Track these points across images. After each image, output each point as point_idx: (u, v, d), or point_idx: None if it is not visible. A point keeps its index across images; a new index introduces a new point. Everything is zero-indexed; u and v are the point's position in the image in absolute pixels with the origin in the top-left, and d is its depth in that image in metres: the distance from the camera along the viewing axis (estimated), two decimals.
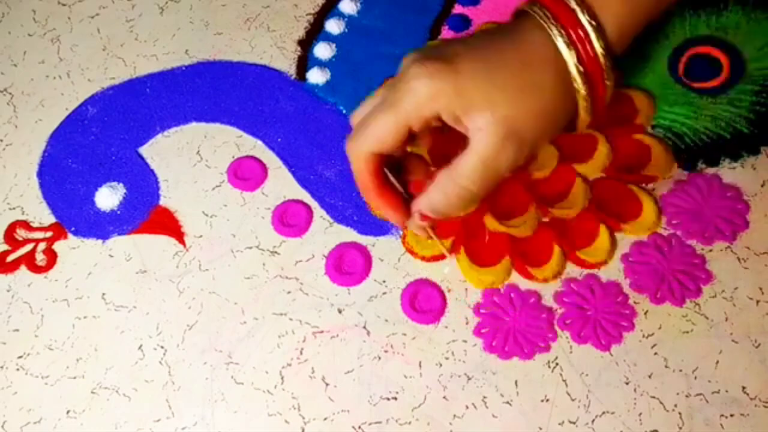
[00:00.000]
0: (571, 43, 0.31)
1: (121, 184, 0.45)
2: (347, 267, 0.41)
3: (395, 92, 0.32)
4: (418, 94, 0.31)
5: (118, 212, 0.44)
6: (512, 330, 0.39)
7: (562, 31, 0.31)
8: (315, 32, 0.50)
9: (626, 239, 0.41)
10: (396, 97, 0.32)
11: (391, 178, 0.34)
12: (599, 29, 0.31)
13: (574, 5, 0.32)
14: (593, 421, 0.36)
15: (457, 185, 0.32)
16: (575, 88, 0.32)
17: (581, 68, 0.32)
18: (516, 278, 0.40)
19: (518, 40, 0.32)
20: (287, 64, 0.49)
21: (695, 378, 0.37)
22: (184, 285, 0.42)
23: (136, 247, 0.43)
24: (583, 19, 0.31)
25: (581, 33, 0.31)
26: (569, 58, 0.31)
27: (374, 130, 0.32)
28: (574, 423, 0.36)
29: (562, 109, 0.33)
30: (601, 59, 0.32)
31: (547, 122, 0.32)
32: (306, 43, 0.50)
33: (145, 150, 0.46)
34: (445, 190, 0.33)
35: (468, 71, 0.31)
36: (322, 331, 0.40)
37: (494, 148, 0.31)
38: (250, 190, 0.44)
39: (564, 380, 0.37)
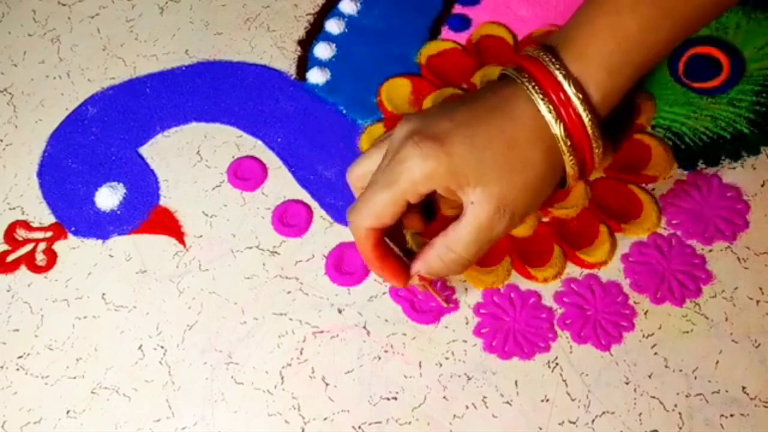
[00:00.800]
0: (558, 117, 0.33)
1: (121, 184, 0.45)
2: (347, 267, 0.41)
3: (390, 170, 0.33)
4: (414, 174, 0.32)
5: (118, 212, 0.44)
6: (512, 330, 0.39)
7: (550, 106, 0.32)
8: (315, 32, 0.50)
9: (626, 239, 0.41)
10: (393, 176, 0.33)
11: (392, 246, 0.36)
12: (585, 100, 0.33)
13: (561, 78, 0.32)
14: (593, 421, 0.36)
15: (453, 252, 0.34)
16: (563, 159, 0.34)
17: (569, 141, 0.33)
18: (516, 278, 0.40)
19: (505, 114, 0.33)
20: (287, 64, 0.49)
21: (695, 378, 0.37)
22: (184, 285, 0.42)
23: (136, 247, 0.43)
24: (570, 91, 0.32)
25: (569, 105, 0.33)
26: (557, 130, 0.33)
27: (374, 208, 0.34)
28: (574, 423, 0.36)
29: (551, 178, 0.34)
30: (589, 129, 0.33)
31: (536, 194, 0.34)
32: (306, 43, 0.50)
33: (145, 150, 0.46)
34: (441, 257, 0.34)
35: (459, 152, 0.32)
36: (322, 331, 0.40)
37: (487, 220, 0.33)
38: (250, 190, 0.44)
39: (564, 380, 0.37)
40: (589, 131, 0.33)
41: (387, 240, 0.36)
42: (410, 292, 0.40)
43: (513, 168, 0.33)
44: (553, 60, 0.33)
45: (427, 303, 0.40)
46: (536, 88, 0.33)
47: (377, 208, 0.34)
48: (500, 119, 0.33)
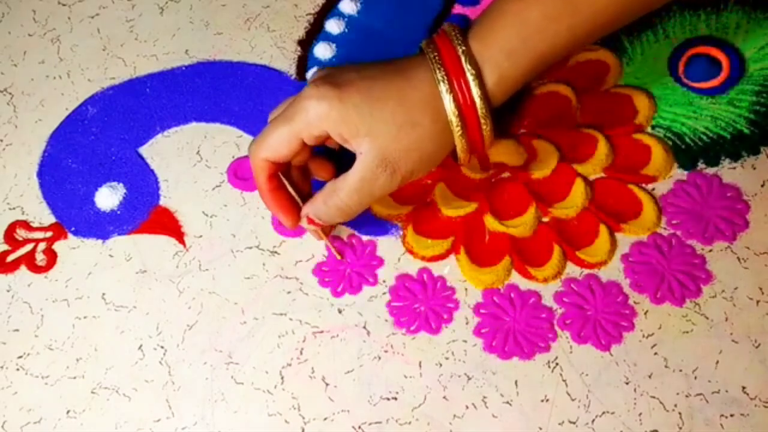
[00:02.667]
0: (450, 89, 0.34)
1: (121, 184, 0.45)
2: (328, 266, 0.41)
3: (291, 108, 0.35)
4: (309, 114, 0.34)
5: (118, 212, 0.44)
6: (512, 330, 0.39)
7: (445, 78, 0.34)
8: (315, 32, 0.50)
9: (626, 239, 0.41)
10: (290, 112, 0.35)
11: (286, 184, 0.38)
12: (479, 77, 0.34)
13: (460, 53, 0.34)
14: (593, 421, 0.36)
15: (337, 197, 0.36)
16: (452, 130, 0.35)
17: (457, 112, 0.34)
18: (516, 278, 0.40)
19: (407, 77, 0.35)
20: (287, 64, 0.49)
21: (695, 378, 0.37)
22: (184, 285, 0.42)
23: (136, 247, 0.43)
24: (466, 67, 0.34)
25: (462, 80, 0.34)
26: (447, 102, 0.34)
27: (269, 140, 0.36)
28: (574, 423, 0.36)
29: (437, 146, 0.36)
30: (478, 106, 0.34)
31: (421, 157, 0.35)
32: (306, 43, 0.50)
33: (145, 150, 0.46)
34: (326, 200, 0.37)
35: (353, 101, 0.34)
36: (322, 331, 0.40)
37: (371, 171, 0.35)
38: (250, 190, 0.44)
39: (564, 380, 0.37)
40: (479, 107, 0.34)
41: (285, 181, 0.38)
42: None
43: (401, 126, 0.34)
44: (459, 37, 0.35)
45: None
46: (437, 58, 0.34)
47: (273, 141, 0.36)
48: (400, 80, 0.35)
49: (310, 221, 0.38)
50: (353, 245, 0.42)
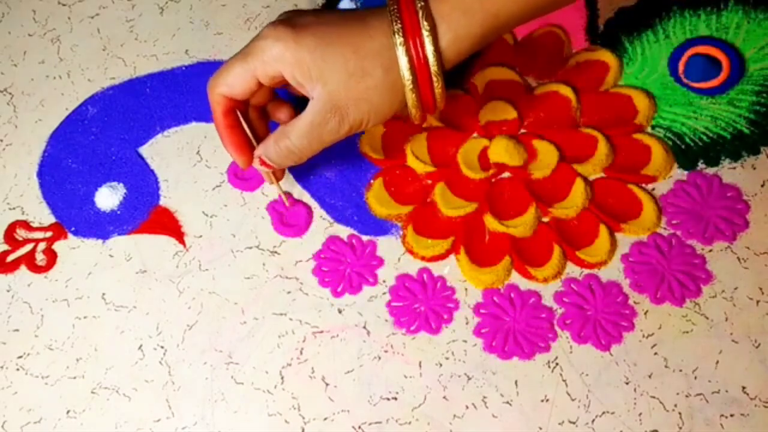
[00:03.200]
0: (404, 42, 0.34)
1: (121, 184, 0.45)
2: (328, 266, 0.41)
3: (248, 46, 0.36)
4: (264, 54, 0.35)
5: (118, 212, 0.44)
6: (512, 330, 0.39)
7: (401, 29, 0.34)
8: None
9: (626, 239, 0.41)
10: (248, 50, 0.36)
11: (242, 122, 0.38)
12: (434, 34, 0.34)
13: (418, 7, 0.34)
14: (593, 421, 0.36)
15: (288, 140, 0.37)
16: (403, 84, 0.35)
17: (409, 66, 0.34)
18: (516, 278, 0.40)
19: (364, 25, 0.35)
20: None
21: (695, 378, 0.37)
22: (184, 285, 0.42)
23: (136, 247, 0.43)
24: (422, 22, 0.34)
25: (417, 35, 0.34)
26: (401, 54, 0.34)
27: (226, 76, 0.36)
28: (574, 423, 0.36)
29: (388, 99, 0.36)
30: (431, 63, 0.34)
31: (370, 108, 0.35)
32: None
33: (145, 150, 0.46)
34: (277, 141, 0.37)
35: (308, 45, 0.34)
36: (322, 331, 0.40)
37: (321, 116, 0.35)
38: (250, 190, 0.44)
39: (564, 380, 0.37)
40: (431, 64, 0.34)
41: (242, 119, 0.38)
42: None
43: (352, 74, 0.34)
44: None
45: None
46: (395, 11, 0.34)
47: (229, 78, 0.36)
48: (357, 28, 0.35)
49: (262, 162, 0.38)
50: (353, 245, 0.42)
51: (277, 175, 0.41)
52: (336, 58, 0.34)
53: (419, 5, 0.34)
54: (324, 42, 0.34)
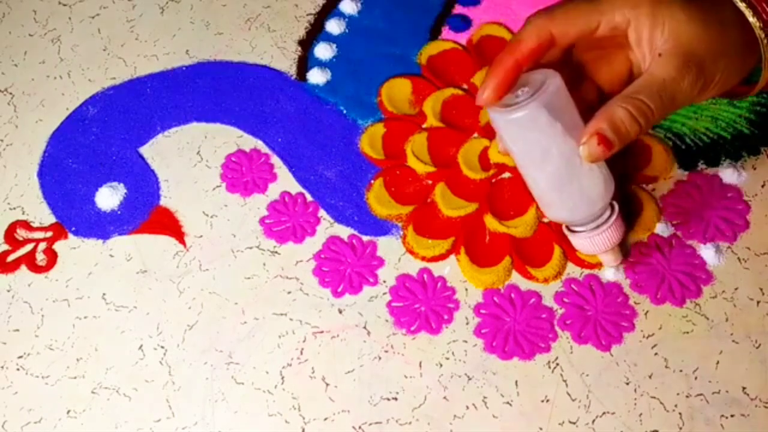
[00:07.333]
0: (754, 12, 0.33)
1: (121, 184, 0.45)
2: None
3: None
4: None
5: (119, 212, 0.44)
6: (513, 330, 0.39)
7: (745, 1, 0.33)
8: (315, 32, 0.50)
9: (626, 239, 0.41)
10: None
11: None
12: None
13: None
14: (593, 421, 0.36)
15: (637, 100, 0.32)
16: (758, 44, 0.33)
17: (761, 25, 0.33)
18: (516, 278, 0.40)
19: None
20: (287, 65, 0.49)
21: (695, 378, 0.37)
22: (185, 285, 0.42)
23: (136, 247, 0.43)
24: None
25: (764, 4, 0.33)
26: (753, 20, 0.33)
27: (568, 11, 0.33)
28: (574, 423, 0.36)
29: (742, 58, 0.34)
30: None
31: (727, 64, 0.33)
32: (306, 44, 0.50)
33: (145, 150, 0.46)
34: (625, 104, 0.32)
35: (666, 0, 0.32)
36: (322, 331, 0.40)
37: (676, 72, 0.32)
38: (246, 194, 0.44)
39: (564, 380, 0.37)
40: None
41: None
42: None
43: (711, 24, 0.32)
44: None
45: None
46: None
47: (571, 13, 0.33)
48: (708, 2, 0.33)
49: (601, 140, 0.32)
50: (354, 245, 0.42)
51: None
52: (692, 10, 0.32)
53: None
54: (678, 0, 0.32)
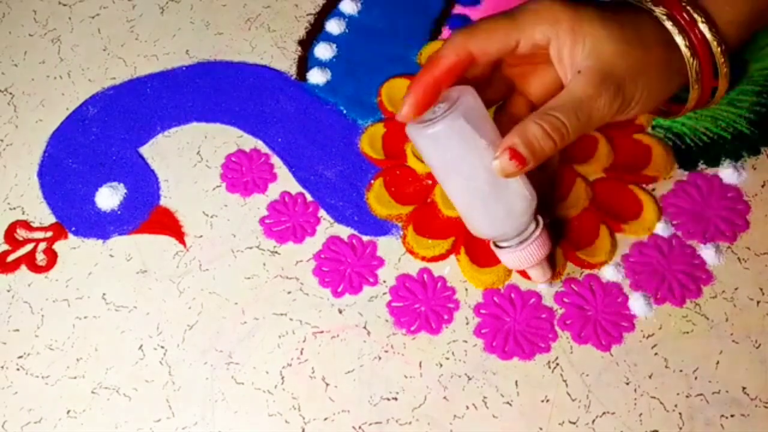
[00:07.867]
0: (680, 30, 0.33)
1: (121, 184, 0.45)
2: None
3: (518, 8, 0.33)
4: (539, 15, 0.32)
5: (119, 212, 0.44)
6: (513, 330, 0.39)
7: (671, 21, 0.33)
8: (315, 32, 0.50)
9: (626, 239, 0.41)
10: (516, 12, 0.33)
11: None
12: (709, 20, 0.33)
13: (684, 2, 0.33)
14: (593, 421, 0.36)
15: (552, 117, 0.32)
16: (684, 63, 0.33)
17: (686, 43, 0.33)
18: (516, 278, 0.40)
19: (632, 17, 0.33)
20: (287, 65, 0.49)
21: (695, 378, 0.37)
22: (185, 285, 0.42)
23: (136, 247, 0.43)
24: (694, 14, 0.33)
25: (693, 27, 0.33)
26: (679, 39, 0.33)
27: (486, 30, 0.33)
28: (574, 423, 0.36)
29: (665, 76, 0.33)
30: (708, 39, 0.33)
31: (647, 83, 0.33)
32: (306, 44, 0.50)
33: (145, 150, 0.46)
34: (540, 120, 0.32)
35: (587, 16, 0.32)
36: (322, 331, 0.40)
37: (592, 89, 0.32)
38: (246, 195, 0.44)
39: (564, 380, 0.37)
40: (713, 45, 0.33)
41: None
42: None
43: (631, 42, 0.32)
44: None
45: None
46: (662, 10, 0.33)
47: (490, 32, 0.33)
48: (628, 16, 0.33)
49: (513, 155, 0.31)
50: (354, 245, 0.42)
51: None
52: (613, 28, 0.32)
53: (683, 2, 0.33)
54: (599, 15, 0.32)
